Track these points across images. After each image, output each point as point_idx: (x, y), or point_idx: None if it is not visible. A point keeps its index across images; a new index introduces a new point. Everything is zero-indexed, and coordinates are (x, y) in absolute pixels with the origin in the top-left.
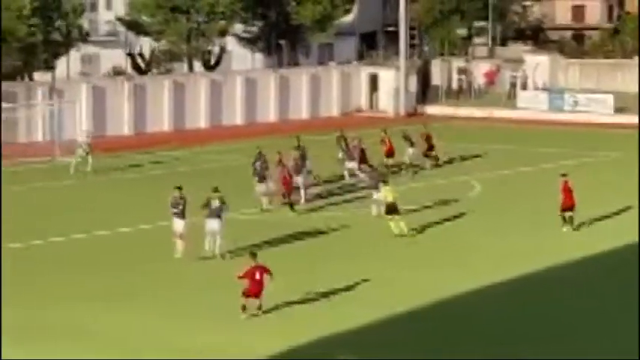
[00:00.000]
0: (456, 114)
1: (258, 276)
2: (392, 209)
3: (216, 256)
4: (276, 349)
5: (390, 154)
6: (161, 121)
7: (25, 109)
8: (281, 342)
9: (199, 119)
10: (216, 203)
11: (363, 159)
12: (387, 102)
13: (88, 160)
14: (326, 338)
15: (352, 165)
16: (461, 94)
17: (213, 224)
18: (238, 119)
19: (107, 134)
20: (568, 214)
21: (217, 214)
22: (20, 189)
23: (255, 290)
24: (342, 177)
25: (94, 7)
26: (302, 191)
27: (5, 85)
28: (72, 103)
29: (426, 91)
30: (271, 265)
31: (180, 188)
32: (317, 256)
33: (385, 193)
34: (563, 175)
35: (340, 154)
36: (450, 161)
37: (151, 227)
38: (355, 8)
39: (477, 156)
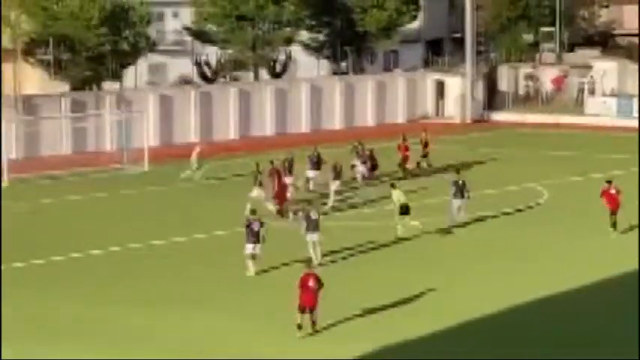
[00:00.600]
0: (523, 120)
1: (311, 283)
2: (405, 210)
3: (317, 265)
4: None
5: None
6: (227, 129)
7: (94, 118)
8: (339, 351)
9: (265, 127)
10: (315, 215)
11: (374, 165)
12: (453, 109)
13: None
14: (382, 349)
15: (362, 169)
16: (528, 100)
17: (314, 236)
18: (304, 127)
19: (174, 142)
20: (612, 218)
21: (316, 226)
22: (88, 198)
23: (308, 300)
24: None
25: (161, 16)
26: (331, 197)
27: (74, 94)
28: (140, 112)
29: (492, 98)
30: (325, 275)
31: (254, 212)
32: (374, 265)
33: (397, 196)
34: (608, 182)
35: (356, 161)
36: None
37: (207, 235)
38: (421, 15)
39: (487, 162)
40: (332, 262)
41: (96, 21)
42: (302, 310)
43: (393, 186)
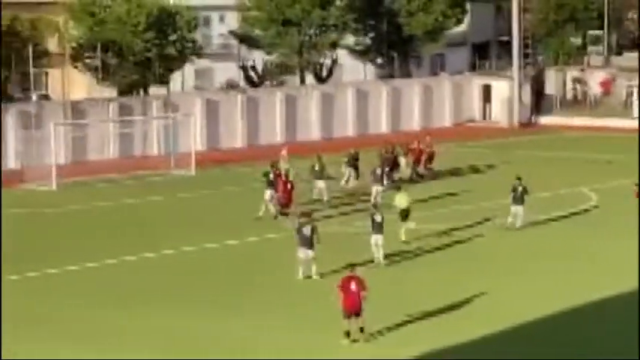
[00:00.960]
0: (571, 124)
1: (354, 287)
2: (405, 215)
3: (379, 264)
4: None
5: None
6: (273, 134)
7: (141, 123)
8: (393, 354)
9: (311, 131)
10: (379, 218)
11: (394, 167)
12: (500, 113)
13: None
14: (437, 352)
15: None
16: (576, 104)
17: (378, 238)
18: (350, 131)
19: (220, 147)
20: None
21: (380, 228)
22: (136, 202)
23: (352, 305)
24: None
25: (207, 21)
26: (376, 198)
27: (122, 99)
28: (186, 116)
29: (540, 102)
30: (378, 278)
31: (308, 215)
32: (427, 267)
33: (399, 200)
34: (637, 184)
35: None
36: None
37: (239, 242)
38: (467, 18)
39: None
40: (385, 265)
41: (143, 26)
42: (347, 316)
43: (398, 189)
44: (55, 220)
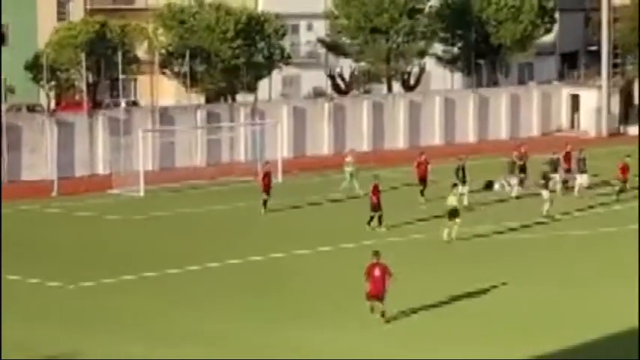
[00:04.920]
0: None
1: (377, 272)
2: (453, 214)
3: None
4: None
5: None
6: (360, 142)
7: (228, 129)
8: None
9: (398, 140)
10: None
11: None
12: (588, 122)
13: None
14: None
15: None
16: None
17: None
18: (437, 139)
19: (307, 154)
20: None
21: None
22: (224, 208)
23: (374, 289)
24: None
25: (295, 29)
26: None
27: (209, 106)
28: (273, 123)
29: (628, 112)
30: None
31: None
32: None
33: (451, 200)
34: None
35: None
36: None
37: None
38: (556, 27)
39: None
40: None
41: (231, 33)
42: (369, 299)
43: (454, 185)
44: (140, 226)
